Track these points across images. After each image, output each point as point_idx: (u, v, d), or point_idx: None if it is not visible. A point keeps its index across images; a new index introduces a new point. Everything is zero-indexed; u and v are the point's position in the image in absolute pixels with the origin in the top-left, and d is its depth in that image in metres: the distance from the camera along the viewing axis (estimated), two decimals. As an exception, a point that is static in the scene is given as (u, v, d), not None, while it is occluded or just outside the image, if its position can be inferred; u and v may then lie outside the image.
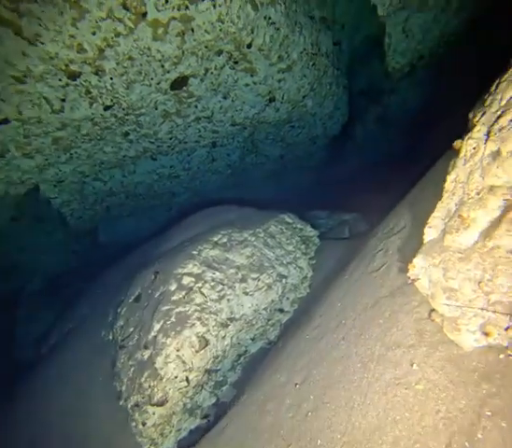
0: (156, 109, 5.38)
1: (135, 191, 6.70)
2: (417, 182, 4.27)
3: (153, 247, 5.27)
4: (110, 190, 6.44)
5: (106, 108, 4.85)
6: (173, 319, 3.42)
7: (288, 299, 4.73)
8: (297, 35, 5.61)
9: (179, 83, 5.15)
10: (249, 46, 5.18)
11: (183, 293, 3.62)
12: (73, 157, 5.29)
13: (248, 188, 8.03)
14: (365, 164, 8.66)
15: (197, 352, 3.36)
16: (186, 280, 3.75)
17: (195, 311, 3.53)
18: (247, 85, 5.76)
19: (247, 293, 4.11)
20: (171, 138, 5.95)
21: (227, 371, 4.37)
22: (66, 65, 3.89)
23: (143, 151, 5.96)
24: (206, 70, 5.27)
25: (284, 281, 4.50)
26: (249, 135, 6.98)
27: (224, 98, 5.83)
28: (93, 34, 3.76)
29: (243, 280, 4.14)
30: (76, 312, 5.32)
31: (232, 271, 4.16)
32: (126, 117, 5.20)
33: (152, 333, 3.40)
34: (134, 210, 7.15)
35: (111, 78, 4.50)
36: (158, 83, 4.98)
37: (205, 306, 3.63)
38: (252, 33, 5.00)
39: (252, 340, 4.55)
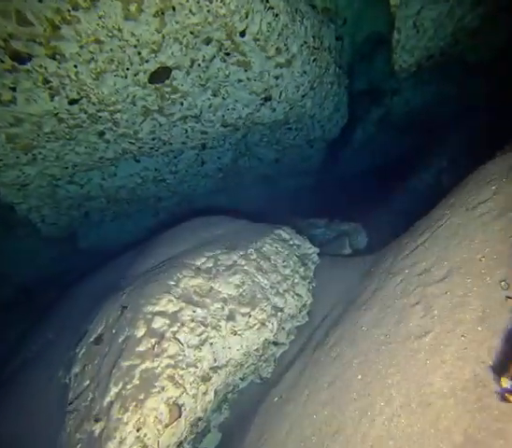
0: (134, 105, 4.26)
1: (117, 196, 5.60)
2: (441, 202, 3.25)
3: (129, 265, 4.20)
4: (88, 194, 5.33)
5: (72, 102, 3.73)
6: (135, 381, 2.41)
7: (283, 329, 3.73)
8: (298, 24, 4.50)
9: (160, 75, 4.03)
10: (243, 34, 4.07)
11: (153, 342, 2.60)
12: (37, 158, 4.17)
13: (240, 192, 6.96)
14: (363, 170, 7.63)
15: (167, 426, 2.35)
16: (157, 323, 2.71)
17: (167, 367, 2.51)
18: (240, 81, 4.65)
19: (235, 333, 3.10)
20: (154, 139, 4.84)
21: (211, 414, 3.39)
22: (5, 40, 2.76)
23: (122, 153, 4.85)
24: (193, 62, 4.16)
25: (280, 314, 3.49)
26: (242, 137, 5.89)
27: (214, 95, 4.72)
28: (39, 0, 2.62)
29: (231, 317, 3.12)
30: (41, 333, 4.26)
31: (217, 305, 3.13)
32: (99, 113, 4.08)
33: (108, 398, 2.39)
34: (116, 215, 6.06)
35: (75, 66, 3.38)
36: (135, 74, 3.87)
37: (180, 358, 2.61)
38: (246, 17, 3.89)
39: (242, 379, 3.57)
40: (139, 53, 3.66)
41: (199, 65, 4.28)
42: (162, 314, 2.79)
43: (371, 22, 6.06)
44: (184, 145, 5.26)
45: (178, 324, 2.76)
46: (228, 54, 4.32)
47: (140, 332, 2.63)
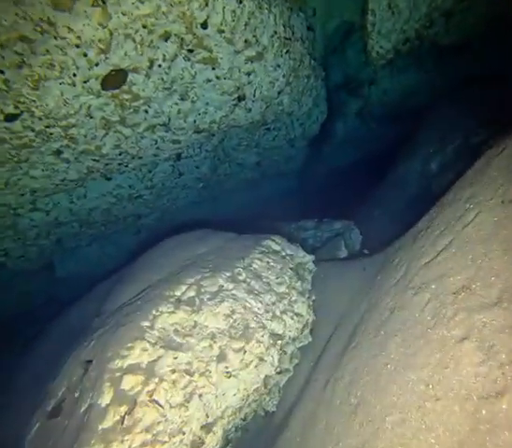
0: (91, 118, 3.58)
1: (90, 218, 4.90)
2: (454, 193, 2.64)
3: (106, 297, 3.51)
4: (57, 221, 4.62)
5: (11, 118, 3.03)
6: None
7: (285, 353, 3.08)
8: (266, 12, 3.87)
9: (115, 80, 3.36)
10: (205, 25, 3.43)
11: (121, 412, 1.93)
12: (-19, 188, 3.47)
13: (223, 201, 6.30)
14: (347, 165, 7.04)
15: None
16: (128, 383, 2.04)
17: (142, 445, 1.84)
18: (208, 81, 4.00)
19: (229, 375, 2.45)
20: (120, 154, 4.15)
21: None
22: None
23: (87, 172, 4.15)
24: (152, 62, 3.50)
25: (280, 342, 2.84)
26: (219, 143, 5.24)
27: (182, 99, 4.06)
28: None
29: (222, 357, 2.46)
30: (10, 384, 3.54)
31: (204, 344, 2.47)
32: (49, 130, 3.39)
33: None
34: (93, 238, 5.35)
35: (2, 72, 2.69)
36: (84, 81, 3.19)
37: (160, 428, 1.94)
38: (207, 5, 3.25)
39: (244, 420, 2.91)
40: (85, 55, 2.98)
41: (160, 66, 3.61)
42: (134, 369, 2.12)
43: (341, 11, 5.48)
44: (156, 157, 4.58)
45: (156, 380, 2.09)
46: (191, 51, 3.67)
47: (105, 399, 1.96)
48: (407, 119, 6.47)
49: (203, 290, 2.84)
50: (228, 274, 3.05)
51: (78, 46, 2.89)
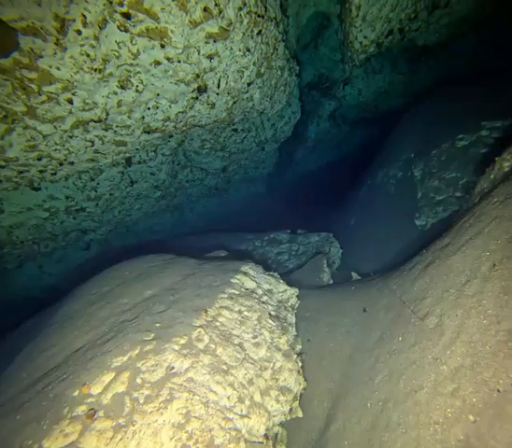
0: (-24, 105, 2.10)
1: (13, 238, 3.37)
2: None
3: (18, 363, 2.11)
4: (-36, 243, 3.09)
5: None
6: None
7: (267, 437, 1.87)
8: (230, -27, 2.53)
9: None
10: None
11: None
12: None
13: (184, 210, 4.93)
14: (320, 170, 5.90)
15: None
16: None
17: None
18: (157, 63, 2.62)
19: None
20: (39, 158, 2.68)
21: None
22: None
23: (-7, 182, 2.65)
24: (63, 23, 2.07)
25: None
26: (178, 145, 3.86)
27: (122, 87, 2.65)
28: None
29: None
30: None
31: None
32: None
33: None
34: (27, 259, 3.82)
35: None
36: None
37: None
38: None
39: None
40: None
41: (80, 33, 2.18)
42: None
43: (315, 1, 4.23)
44: (96, 162, 3.12)
45: None
46: (128, 16, 2.26)
47: None
48: (380, 122, 5.42)
49: (139, 380, 1.54)
50: (182, 342, 1.77)
51: None
